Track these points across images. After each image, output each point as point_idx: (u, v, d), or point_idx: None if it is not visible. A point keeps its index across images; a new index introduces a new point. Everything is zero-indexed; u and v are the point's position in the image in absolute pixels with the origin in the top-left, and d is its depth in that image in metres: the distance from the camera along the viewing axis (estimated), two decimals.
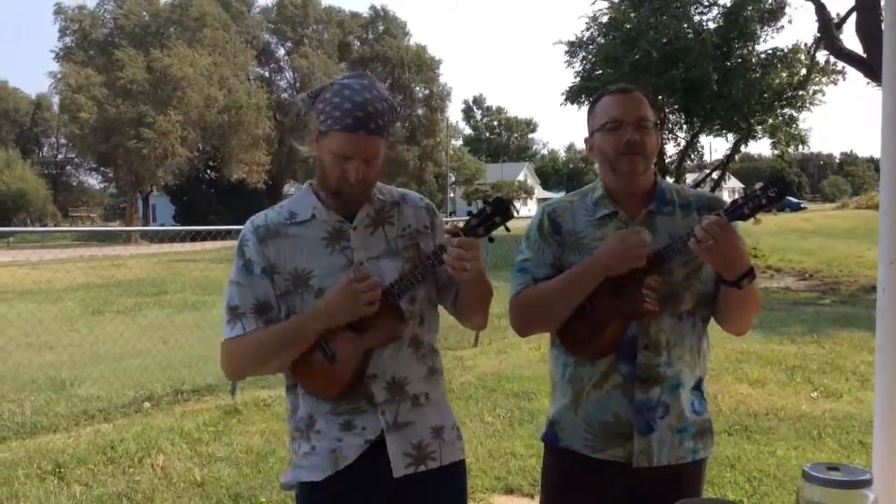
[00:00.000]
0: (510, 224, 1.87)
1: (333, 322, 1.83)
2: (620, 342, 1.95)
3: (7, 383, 7.14)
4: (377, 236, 1.96)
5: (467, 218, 1.89)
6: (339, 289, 1.82)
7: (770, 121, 22.59)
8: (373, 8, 61.14)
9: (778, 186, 1.74)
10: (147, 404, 6.27)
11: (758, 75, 21.66)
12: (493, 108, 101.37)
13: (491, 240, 1.87)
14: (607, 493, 2.03)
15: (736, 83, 21.19)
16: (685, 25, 21.70)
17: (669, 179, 23.59)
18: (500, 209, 1.83)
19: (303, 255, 1.91)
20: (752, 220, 1.80)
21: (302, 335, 1.86)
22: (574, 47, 24.23)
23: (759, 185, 1.82)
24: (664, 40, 20.99)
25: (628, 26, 21.94)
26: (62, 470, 4.69)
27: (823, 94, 22.27)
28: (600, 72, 23.25)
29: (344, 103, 1.83)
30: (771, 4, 21.55)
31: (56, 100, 49.96)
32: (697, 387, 2.06)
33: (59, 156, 71.15)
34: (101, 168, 54.50)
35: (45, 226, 48.44)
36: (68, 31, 47.12)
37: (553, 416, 2.09)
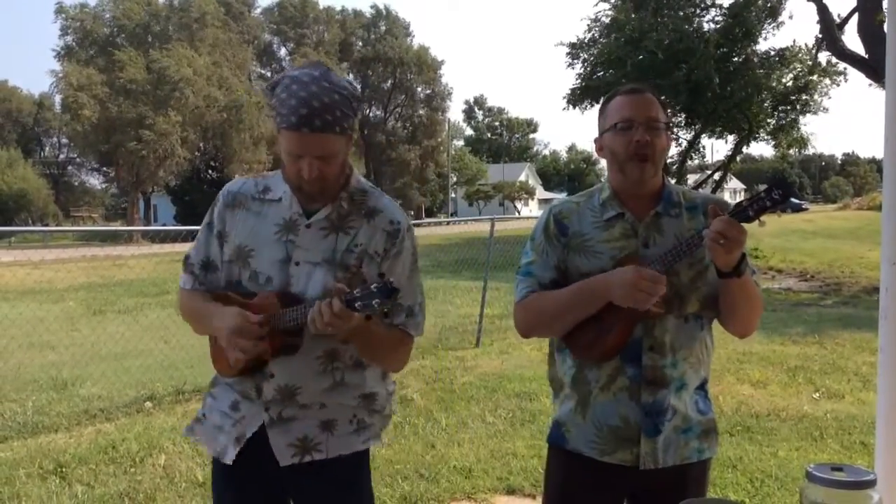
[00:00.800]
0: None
1: (219, 335, 1.89)
2: (626, 345, 1.94)
3: (9, 383, 7.15)
4: (328, 241, 1.90)
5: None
6: (232, 319, 1.81)
7: (772, 123, 22.59)
8: (375, 8, 61.21)
9: (782, 188, 1.73)
10: (149, 404, 6.27)
11: (760, 74, 21.64)
12: (495, 109, 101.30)
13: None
14: (612, 494, 2.04)
15: (738, 83, 21.18)
16: (686, 26, 21.69)
17: (671, 181, 23.71)
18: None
19: (254, 233, 1.94)
20: (756, 222, 1.79)
21: (205, 327, 1.97)
22: (576, 49, 24.26)
23: (763, 187, 1.81)
24: (666, 41, 20.99)
25: (629, 27, 21.93)
26: (64, 469, 4.69)
27: (829, 98, 22.28)
28: (602, 73, 23.27)
29: (290, 100, 1.77)
30: (770, 1, 21.54)
31: (58, 99, 50.00)
32: (702, 387, 2.06)
33: (61, 156, 71.23)
34: (103, 168, 54.52)
35: (46, 226, 48.44)
36: (69, 31, 47.13)
37: (560, 417, 2.08)
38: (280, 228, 1.91)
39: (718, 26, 22.27)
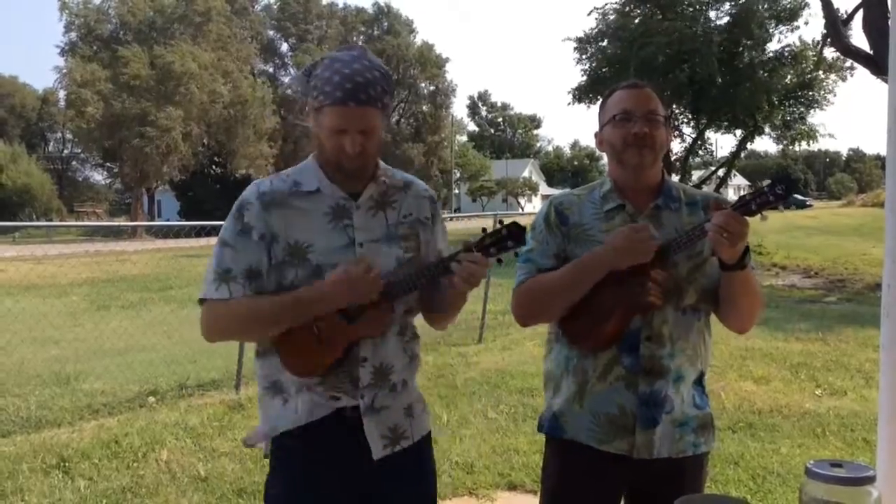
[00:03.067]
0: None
1: (332, 304, 1.83)
2: (623, 334, 1.96)
3: (12, 378, 7.17)
4: (378, 219, 1.96)
5: (481, 234, 1.89)
6: (342, 275, 1.81)
7: (779, 118, 22.52)
8: (376, 5, 61.10)
9: (785, 184, 1.75)
10: (151, 399, 6.28)
11: (766, 75, 21.57)
12: (499, 105, 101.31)
13: (500, 262, 1.89)
14: (609, 483, 2.05)
15: (743, 85, 21.08)
16: (692, 27, 21.60)
17: (675, 177, 23.66)
18: (516, 235, 1.86)
19: (304, 227, 1.89)
20: (759, 216, 1.82)
21: (299, 312, 1.84)
22: (583, 44, 24.23)
23: (766, 181, 1.83)
24: (668, 41, 20.92)
25: (632, 28, 21.90)
26: (67, 464, 4.71)
27: (835, 95, 22.21)
28: (606, 69, 23.26)
29: (334, 77, 1.82)
30: (790, 3, 21.39)
31: (62, 95, 50.06)
32: (699, 381, 2.07)
33: (65, 151, 71.33)
34: (107, 163, 54.59)
35: (50, 221, 48.54)
36: (73, 26, 47.17)
37: (557, 408, 2.09)
38: (331, 216, 1.91)
39: (722, 25, 22.18)
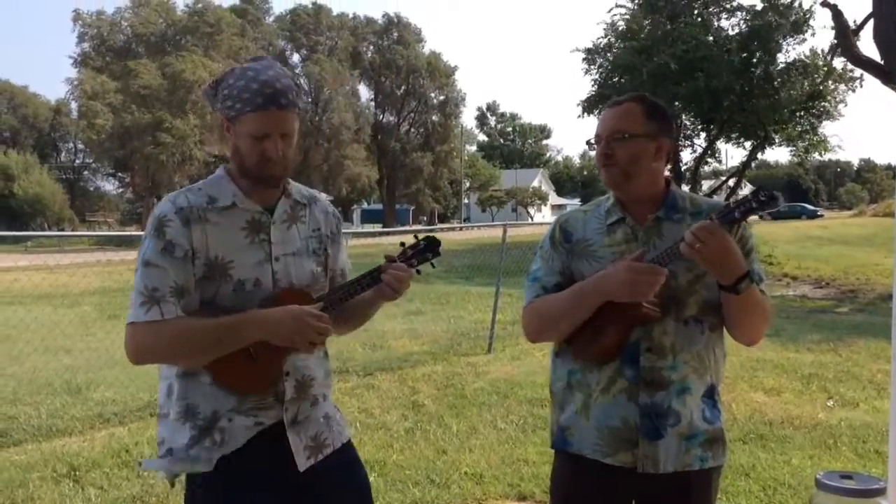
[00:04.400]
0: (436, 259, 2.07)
1: (276, 339, 1.83)
2: (624, 346, 1.97)
3: (24, 386, 7.20)
4: (292, 232, 2.01)
5: (401, 247, 2.05)
6: (295, 311, 1.83)
7: (789, 129, 22.43)
8: (386, 15, 61.38)
9: (768, 191, 1.76)
10: None
11: (778, 85, 21.49)
12: (507, 115, 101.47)
13: (418, 272, 2.03)
14: (616, 497, 2.05)
15: (759, 97, 20.96)
16: (704, 35, 21.55)
17: (685, 187, 23.60)
18: (432, 247, 2.04)
19: (223, 243, 1.89)
20: (742, 225, 1.90)
21: (237, 340, 1.83)
22: (591, 54, 24.25)
23: (750, 189, 1.86)
24: (684, 48, 20.87)
25: (643, 35, 21.88)
26: (77, 473, 4.72)
27: (845, 105, 22.15)
28: (617, 79, 23.24)
29: (251, 84, 1.85)
30: (796, 16, 21.34)
31: (74, 105, 50.44)
32: (710, 395, 2.06)
33: (77, 161, 71.79)
34: (118, 173, 54.93)
35: (62, 230, 48.81)
36: (86, 37, 47.58)
37: (563, 422, 2.11)
38: (248, 230, 1.93)
39: (738, 34, 22.11)
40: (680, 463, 1.99)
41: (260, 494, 1.92)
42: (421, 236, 2.04)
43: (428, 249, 2.03)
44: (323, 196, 2.17)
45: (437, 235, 2.09)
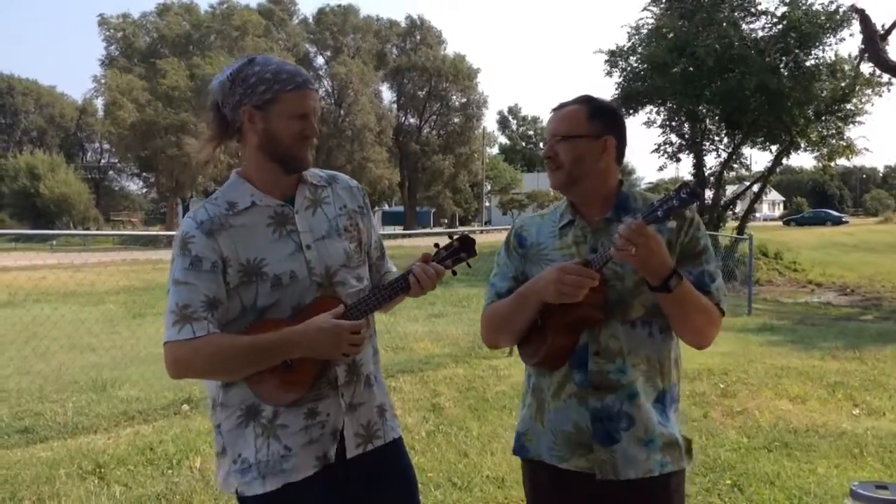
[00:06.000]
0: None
1: (306, 354, 1.84)
2: (571, 351, 1.97)
3: (50, 384, 7.29)
4: (319, 216, 2.01)
5: (435, 247, 2.01)
6: (328, 331, 1.83)
7: (816, 132, 22.14)
8: (409, 18, 61.52)
9: (690, 188, 1.75)
10: (186, 407, 6.35)
11: (806, 84, 21.20)
12: (529, 118, 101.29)
13: (454, 273, 2.00)
14: (575, 502, 2.03)
15: (789, 96, 20.67)
16: (734, 35, 21.35)
17: (708, 192, 23.39)
18: (467, 246, 2.01)
19: (251, 244, 1.90)
20: (693, 224, 1.95)
21: (269, 357, 1.85)
22: (615, 57, 24.10)
23: (675, 187, 1.83)
24: (717, 45, 20.67)
25: (671, 35, 21.70)
26: (103, 470, 4.77)
27: (872, 104, 21.82)
28: (640, 83, 23.07)
29: (284, 67, 1.91)
30: (838, 14, 21.04)
31: (100, 105, 51.03)
32: (660, 400, 2.03)
33: (102, 161, 72.59)
34: (143, 173, 55.46)
35: (87, 229, 49.37)
36: (112, 40, 48.11)
37: (519, 427, 2.13)
38: (274, 225, 1.95)
39: (772, 34, 21.84)
40: (641, 469, 1.96)
41: (310, 481, 1.93)
42: (455, 236, 2.02)
43: (462, 249, 2.00)
44: (342, 175, 2.17)
45: None
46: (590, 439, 1.96)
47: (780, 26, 21.69)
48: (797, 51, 21.34)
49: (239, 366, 1.85)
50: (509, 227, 2.32)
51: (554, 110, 2.09)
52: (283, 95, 1.88)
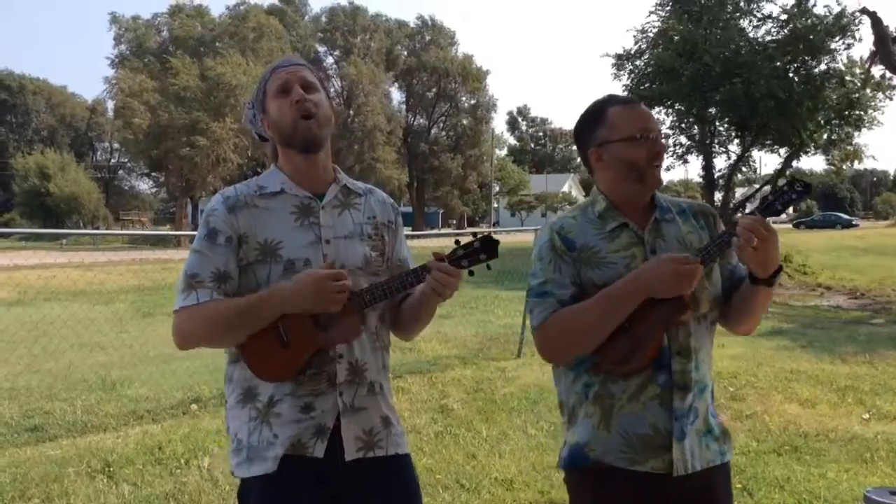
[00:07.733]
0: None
1: (294, 309, 1.85)
2: (659, 352, 1.93)
3: (60, 382, 7.32)
4: (344, 217, 2.03)
5: (454, 246, 1.93)
6: (309, 279, 1.83)
7: (825, 136, 22.04)
8: (420, 18, 61.52)
9: (803, 181, 1.79)
10: (194, 406, 6.37)
11: (815, 91, 21.08)
12: (538, 119, 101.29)
13: (471, 273, 1.93)
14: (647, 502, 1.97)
15: (799, 103, 20.56)
16: (741, 40, 21.26)
17: (718, 194, 23.32)
18: (488, 248, 1.91)
19: (272, 226, 1.94)
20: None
21: (259, 314, 1.86)
22: (621, 60, 24.06)
23: (785, 181, 1.87)
24: (724, 51, 20.60)
25: (677, 38, 21.63)
26: (111, 469, 4.79)
27: (883, 113, 21.70)
28: (647, 85, 22.99)
29: (270, 65, 2.04)
30: (845, 19, 20.90)
31: (110, 104, 51.21)
32: (712, 390, 2.08)
33: (112, 160, 72.91)
34: (152, 173, 55.63)
35: (97, 229, 49.58)
36: (123, 40, 48.27)
37: (580, 438, 2.02)
38: (297, 214, 1.97)
39: (778, 40, 21.74)
40: (705, 460, 1.96)
41: (304, 476, 1.92)
42: (478, 235, 1.94)
43: (483, 250, 1.91)
44: (379, 190, 2.19)
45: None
46: (668, 440, 1.92)
47: (785, 30, 21.59)
48: (806, 57, 21.20)
49: (233, 326, 1.87)
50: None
51: (634, 104, 2.03)
52: (268, 85, 2.00)
